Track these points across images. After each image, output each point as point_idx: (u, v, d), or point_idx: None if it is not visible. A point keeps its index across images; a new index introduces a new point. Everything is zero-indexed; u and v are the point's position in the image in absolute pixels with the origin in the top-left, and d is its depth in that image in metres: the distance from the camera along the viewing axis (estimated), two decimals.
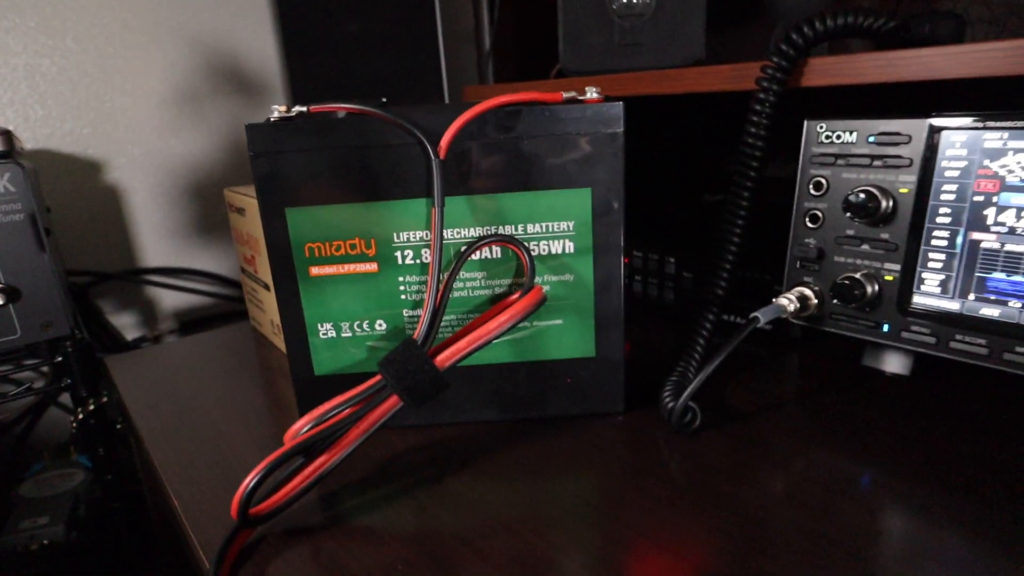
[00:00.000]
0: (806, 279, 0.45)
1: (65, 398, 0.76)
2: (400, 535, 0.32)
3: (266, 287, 0.57)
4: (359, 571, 0.30)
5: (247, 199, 0.55)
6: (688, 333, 0.47)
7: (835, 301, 0.43)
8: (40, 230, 0.54)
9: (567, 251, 0.39)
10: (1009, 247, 0.36)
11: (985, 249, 0.37)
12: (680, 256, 0.58)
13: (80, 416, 0.63)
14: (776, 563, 0.29)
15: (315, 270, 0.39)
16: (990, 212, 0.36)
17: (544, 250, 0.39)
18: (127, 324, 0.86)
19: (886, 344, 0.42)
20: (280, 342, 0.58)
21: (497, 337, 0.36)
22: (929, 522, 0.31)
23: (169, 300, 0.88)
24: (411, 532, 0.32)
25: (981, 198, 0.37)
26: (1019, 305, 0.36)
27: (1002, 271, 0.36)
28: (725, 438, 0.40)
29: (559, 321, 0.41)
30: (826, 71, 0.43)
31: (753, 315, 0.40)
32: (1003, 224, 0.36)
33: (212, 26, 0.84)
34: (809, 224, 0.44)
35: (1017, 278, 0.36)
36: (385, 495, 0.35)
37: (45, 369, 0.75)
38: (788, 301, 0.43)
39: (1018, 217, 0.35)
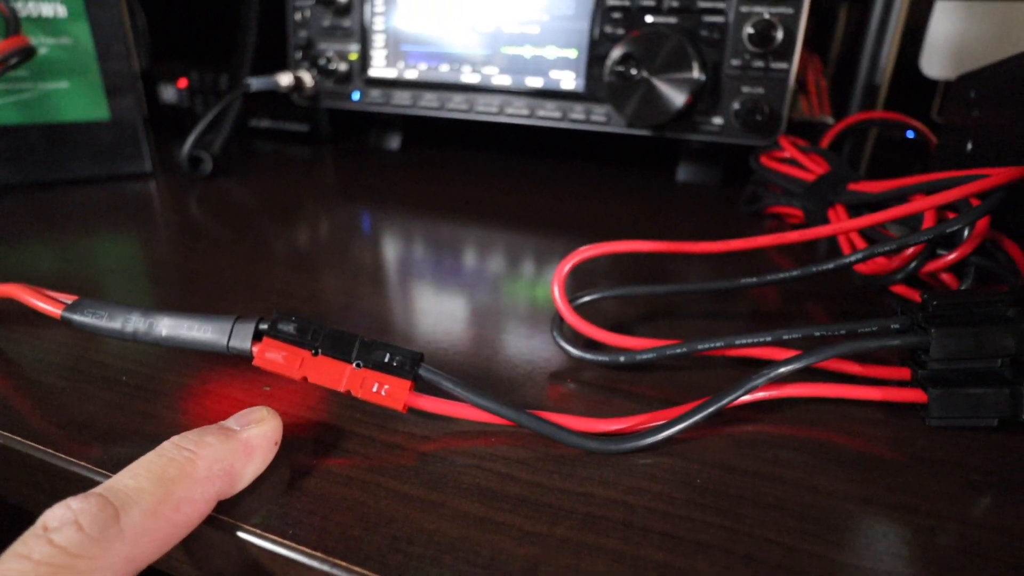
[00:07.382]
0: (302, 64, 0.57)
1: None
2: None
3: None
4: None
5: None
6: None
7: (320, 77, 0.56)
8: None
9: (59, 14, 0.44)
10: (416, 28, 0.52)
11: (404, 31, 0.53)
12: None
13: None
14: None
15: None
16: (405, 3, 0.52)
17: (34, 12, 0.43)
18: None
19: (370, 112, 0.57)
20: None
21: None
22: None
23: None
24: None
25: None
26: (425, 67, 0.53)
27: (414, 44, 0.53)
28: (252, 192, 0.49)
29: (64, 83, 0.46)
30: None
31: (245, 81, 0.51)
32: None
33: None
34: (298, 19, 0.55)
35: (420, 47, 0.53)
36: None
37: None
38: (284, 77, 0.54)
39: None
